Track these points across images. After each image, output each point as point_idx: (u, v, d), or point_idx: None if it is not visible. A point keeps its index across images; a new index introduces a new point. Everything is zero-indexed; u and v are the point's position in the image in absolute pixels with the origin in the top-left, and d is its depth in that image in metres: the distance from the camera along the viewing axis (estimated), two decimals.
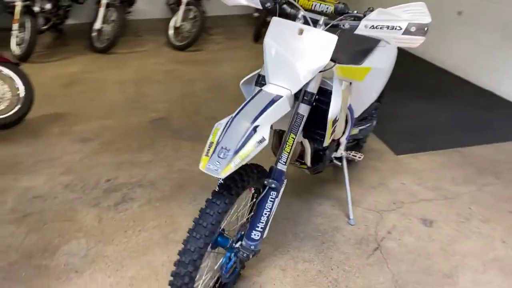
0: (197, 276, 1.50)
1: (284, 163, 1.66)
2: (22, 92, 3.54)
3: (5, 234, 2.31)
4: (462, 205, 2.52)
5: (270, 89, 1.58)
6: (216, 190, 1.53)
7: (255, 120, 1.44)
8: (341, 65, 1.88)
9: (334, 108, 1.69)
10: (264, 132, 1.44)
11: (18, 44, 5.06)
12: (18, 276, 2.03)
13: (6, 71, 3.48)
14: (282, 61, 1.60)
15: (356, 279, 2.00)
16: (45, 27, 5.37)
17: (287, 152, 1.65)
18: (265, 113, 1.47)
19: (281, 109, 1.55)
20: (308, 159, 2.06)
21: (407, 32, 1.45)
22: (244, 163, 1.38)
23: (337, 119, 1.73)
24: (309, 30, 1.58)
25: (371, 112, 2.76)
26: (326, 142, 1.82)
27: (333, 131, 1.79)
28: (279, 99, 1.53)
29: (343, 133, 2.25)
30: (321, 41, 1.56)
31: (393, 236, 2.27)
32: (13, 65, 3.51)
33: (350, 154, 2.34)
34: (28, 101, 3.58)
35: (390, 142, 3.18)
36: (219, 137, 1.43)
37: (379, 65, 2.25)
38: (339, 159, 2.32)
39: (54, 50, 5.55)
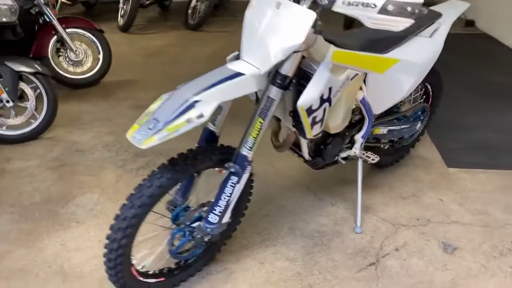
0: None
1: (249, 149, 1.54)
2: (101, 57, 3.91)
3: (39, 178, 2.59)
4: (503, 237, 2.08)
5: (236, 65, 1.47)
6: (165, 163, 1.49)
7: (198, 94, 1.35)
8: (346, 51, 1.64)
9: (308, 95, 1.50)
10: (204, 109, 1.34)
11: (121, 16, 5.56)
12: (32, 216, 2.27)
13: (91, 36, 3.86)
14: (255, 37, 1.47)
15: None
16: (148, 1, 5.80)
17: (253, 137, 1.53)
18: (213, 89, 1.37)
19: (241, 87, 1.43)
20: (304, 151, 1.89)
21: (383, 11, 1.21)
22: (171, 137, 1.32)
23: (313, 108, 1.53)
24: (286, 4, 1.42)
25: (417, 112, 2.42)
26: (309, 134, 1.63)
27: (315, 122, 1.60)
28: (238, 76, 1.42)
29: (360, 130, 2.01)
30: (296, 17, 1.39)
31: (399, 255, 1.98)
32: (98, 32, 3.87)
33: (364, 154, 2.07)
34: (105, 65, 3.94)
35: (446, 152, 2.75)
36: (157, 107, 1.37)
37: (412, 59, 1.93)
38: (352, 158, 2.08)
39: (153, 24, 5.99)
